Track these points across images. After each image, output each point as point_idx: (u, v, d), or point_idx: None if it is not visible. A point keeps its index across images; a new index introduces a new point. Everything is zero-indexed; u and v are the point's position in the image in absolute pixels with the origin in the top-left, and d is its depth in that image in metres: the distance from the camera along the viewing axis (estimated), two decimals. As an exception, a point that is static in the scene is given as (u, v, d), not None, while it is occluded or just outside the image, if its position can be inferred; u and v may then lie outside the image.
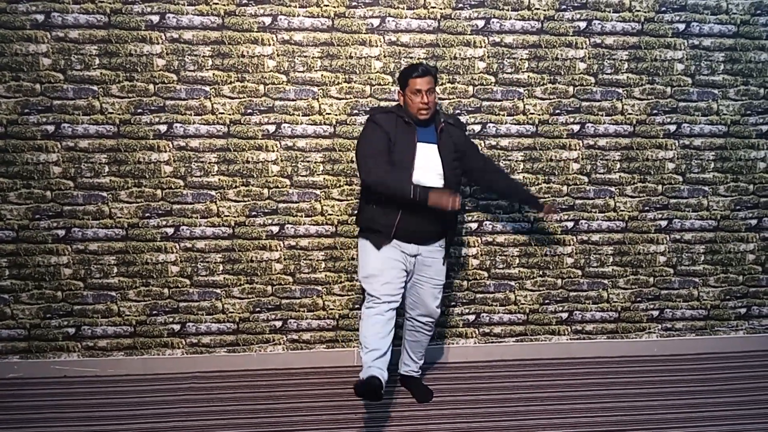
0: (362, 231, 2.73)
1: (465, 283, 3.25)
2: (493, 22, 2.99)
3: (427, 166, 2.58)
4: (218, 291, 3.13)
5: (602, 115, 3.14)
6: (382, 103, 2.99)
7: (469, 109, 3.06)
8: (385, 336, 2.55)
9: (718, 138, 3.22)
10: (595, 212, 3.23)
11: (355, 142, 2.75)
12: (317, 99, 2.98)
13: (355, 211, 2.94)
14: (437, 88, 2.80)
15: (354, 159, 2.81)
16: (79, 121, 2.91)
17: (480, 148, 2.99)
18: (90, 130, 2.93)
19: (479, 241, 3.20)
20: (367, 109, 2.98)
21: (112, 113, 2.92)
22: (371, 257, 2.66)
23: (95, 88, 2.89)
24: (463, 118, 3.06)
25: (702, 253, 3.33)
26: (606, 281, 3.32)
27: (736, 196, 3.29)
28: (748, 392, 2.98)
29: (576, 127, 3.14)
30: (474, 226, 3.19)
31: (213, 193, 3.02)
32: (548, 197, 3.18)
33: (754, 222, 3.32)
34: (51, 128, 2.91)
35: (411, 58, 2.98)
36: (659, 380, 3.10)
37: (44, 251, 3.01)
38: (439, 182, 2.59)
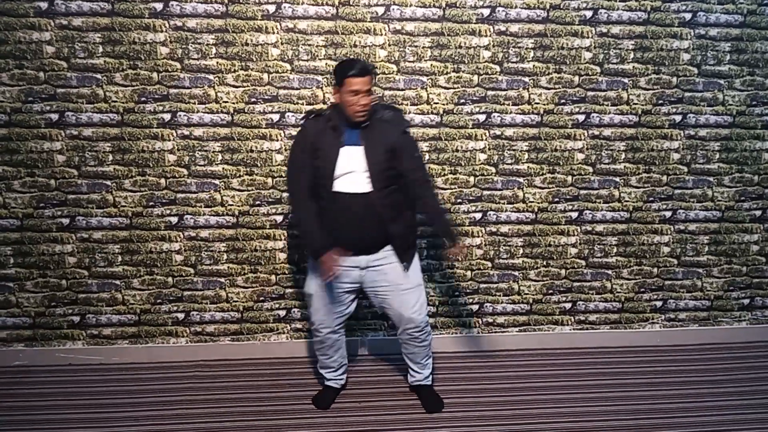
0: None
1: (468, 273, 3.25)
2: (498, 10, 2.97)
3: (352, 171, 2.41)
4: (222, 280, 3.13)
5: (607, 105, 3.12)
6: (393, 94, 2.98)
7: (474, 98, 3.05)
8: (333, 355, 2.78)
9: (724, 128, 3.21)
10: (600, 202, 3.23)
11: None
12: (321, 88, 2.97)
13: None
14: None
15: None
16: (82, 110, 2.91)
17: (419, 151, 2.63)
18: (94, 118, 2.92)
19: (483, 231, 3.20)
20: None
21: (115, 102, 2.91)
22: (312, 274, 2.62)
23: (99, 76, 2.88)
24: (467, 108, 3.05)
25: (706, 244, 3.33)
26: (610, 272, 3.32)
27: (740, 187, 3.28)
28: (750, 383, 2.99)
29: (581, 117, 3.12)
30: (478, 216, 3.18)
31: (217, 182, 3.02)
32: (553, 187, 3.18)
33: (758, 213, 3.32)
34: (55, 116, 2.90)
35: (416, 46, 2.96)
36: (662, 370, 3.11)
37: (49, 240, 3.02)
38: (366, 186, 2.41)
